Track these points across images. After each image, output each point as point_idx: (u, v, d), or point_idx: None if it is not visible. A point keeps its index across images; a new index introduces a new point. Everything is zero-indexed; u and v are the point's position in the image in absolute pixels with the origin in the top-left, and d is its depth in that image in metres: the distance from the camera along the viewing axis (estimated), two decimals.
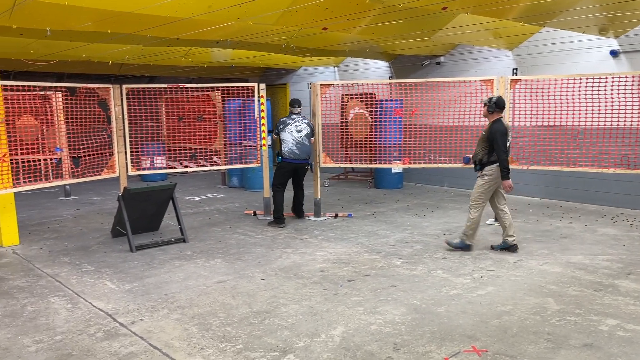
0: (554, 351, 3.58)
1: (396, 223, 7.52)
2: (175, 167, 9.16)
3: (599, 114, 7.02)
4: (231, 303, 4.55)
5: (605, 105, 6.96)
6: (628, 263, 5.47)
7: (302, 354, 3.60)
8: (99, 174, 7.05)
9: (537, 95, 7.56)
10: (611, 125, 7.09)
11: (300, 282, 5.06)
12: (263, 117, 7.91)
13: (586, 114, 7.09)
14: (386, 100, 9.40)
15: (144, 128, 7.75)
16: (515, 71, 9.38)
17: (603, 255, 5.78)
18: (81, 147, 7.04)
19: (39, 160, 8.30)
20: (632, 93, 6.87)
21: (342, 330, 3.95)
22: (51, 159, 8.22)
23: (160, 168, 10.56)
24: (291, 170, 7.54)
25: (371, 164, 8.81)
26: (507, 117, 7.18)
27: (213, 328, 4.05)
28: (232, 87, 8.08)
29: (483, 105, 5.96)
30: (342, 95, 10.15)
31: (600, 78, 6.95)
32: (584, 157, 7.33)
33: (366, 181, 11.19)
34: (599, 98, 6.97)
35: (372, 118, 9.44)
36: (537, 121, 7.50)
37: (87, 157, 7.05)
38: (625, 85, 6.86)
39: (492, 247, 6.05)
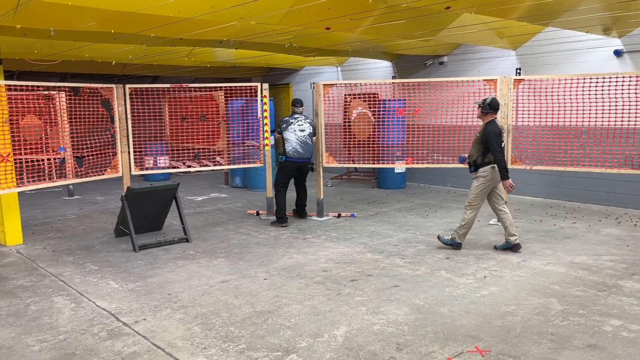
0: (557, 352, 3.57)
1: (399, 223, 7.51)
2: (178, 167, 9.17)
3: (602, 113, 7.00)
4: (234, 303, 4.56)
5: (609, 105, 6.94)
6: (632, 263, 5.45)
7: (305, 353, 3.60)
8: (102, 174, 7.07)
9: (540, 95, 7.54)
10: (615, 125, 7.07)
11: (303, 282, 5.06)
12: (266, 117, 7.92)
13: (590, 114, 7.07)
14: (389, 100, 9.39)
15: (147, 128, 7.76)
16: (518, 71, 9.36)
17: (607, 255, 5.76)
18: (85, 147, 7.06)
19: (43, 160, 8.33)
20: (636, 93, 6.84)
21: (345, 330, 3.95)
22: (55, 159, 8.24)
23: (163, 168, 10.58)
24: (295, 170, 7.55)
25: (374, 163, 8.80)
26: (510, 116, 7.19)
27: (216, 328, 4.06)
28: (235, 87, 8.09)
29: (477, 107, 6.00)
30: (345, 95, 10.15)
31: (604, 78, 6.94)
32: (588, 157, 7.32)
33: (369, 181, 11.19)
34: (602, 98, 6.96)
35: (375, 118, 9.43)
36: (540, 121, 7.49)
37: (90, 157, 7.07)
38: (629, 85, 6.84)
39: (495, 247, 6.05)
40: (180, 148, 8.62)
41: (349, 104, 10.23)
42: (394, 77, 11.53)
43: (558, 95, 7.30)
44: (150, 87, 7.51)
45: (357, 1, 5.75)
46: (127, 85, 7.06)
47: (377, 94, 9.54)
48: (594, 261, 5.55)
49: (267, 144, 7.92)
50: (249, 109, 8.90)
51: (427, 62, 10.70)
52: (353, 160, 9.14)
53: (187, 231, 6.70)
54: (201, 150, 8.31)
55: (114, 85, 6.95)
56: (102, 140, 7.11)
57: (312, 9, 5.98)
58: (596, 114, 7.03)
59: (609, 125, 7.09)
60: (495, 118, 5.95)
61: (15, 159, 6.51)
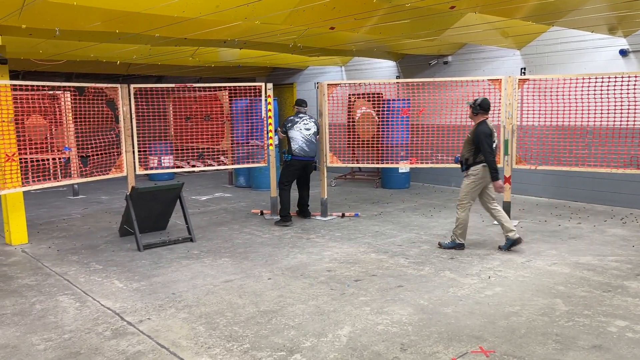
0: (562, 352, 3.56)
1: (403, 223, 7.50)
2: (182, 167, 9.19)
3: (608, 113, 6.97)
4: (238, 302, 4.56)
5: (615, 105, 6.91)
6: (637, 264, 5.43)
7: (309, 353, 3.60)
8: (107, 173, 7.08)
9: (545, 95, 7.52)
10: (620, 125, 7.04)
11: (307, 281, 5.06)
12: (270, 117, 7.92)
13: (595, 113, 7.04)
14: (393, 100, 9.38)
15: (152, 127, 7.78)
16: (523, 70, 9.33)
17: (612, 256, 5.74)
18: (89, 146, 7.08)
19: (48, 160, 8.35)
20: None
21: (349, 330, 3.95)
22: (60, 158, 8.26)
23: (167, 167, 10.59)
24: (301, 168, 7.58)
25: (378, 163, 8.80)
26: (515, 116, 7.16)
27: (220, 327, 4.06)
28: (239, 86, 8.09)
29: (468, 107, 6.00)
30: (349, 94, 10.14)
31: (609, 77, 6.91)
32: (593, 157, 7.29)
33: (373, 181, 11.18)
34: (608, 98, 6.93)
35: (379, 118, 9.42)
36: (545, 121, 7.46)
37: (95, 157, 7.08)
38: (635, 84, 6.81)
39: (500, 248, 6.03)
40: (184, 148, 8.63)
41: (353, 104, 10.22)
42: (398, 77, 11.51)
43: (563, 95, 7.28)
44: (155, 87, 7.53)
45: (362, 1, 5.74)
46: (132, 85, 7.08)
47: (382, 94, 9.54)
48: (599, 261, 5.53)
49: (271, 144, 7.93)
50: (253, 108, 8.91)
51: (431, 62, 10.69)
52: (357, 160, 9.14)
53: (191, 231, 6.71)
54: (205, 150, 8.32)
55: (118, 85, 6.97)
56: (107, 140, 7.13)
57: (316, 8, 5.98)
58: (601, 113, 7.00)
59: (614, 125, 7.06)
60: (487, 118, 5.96)
61: (20, 159, 6.53)
